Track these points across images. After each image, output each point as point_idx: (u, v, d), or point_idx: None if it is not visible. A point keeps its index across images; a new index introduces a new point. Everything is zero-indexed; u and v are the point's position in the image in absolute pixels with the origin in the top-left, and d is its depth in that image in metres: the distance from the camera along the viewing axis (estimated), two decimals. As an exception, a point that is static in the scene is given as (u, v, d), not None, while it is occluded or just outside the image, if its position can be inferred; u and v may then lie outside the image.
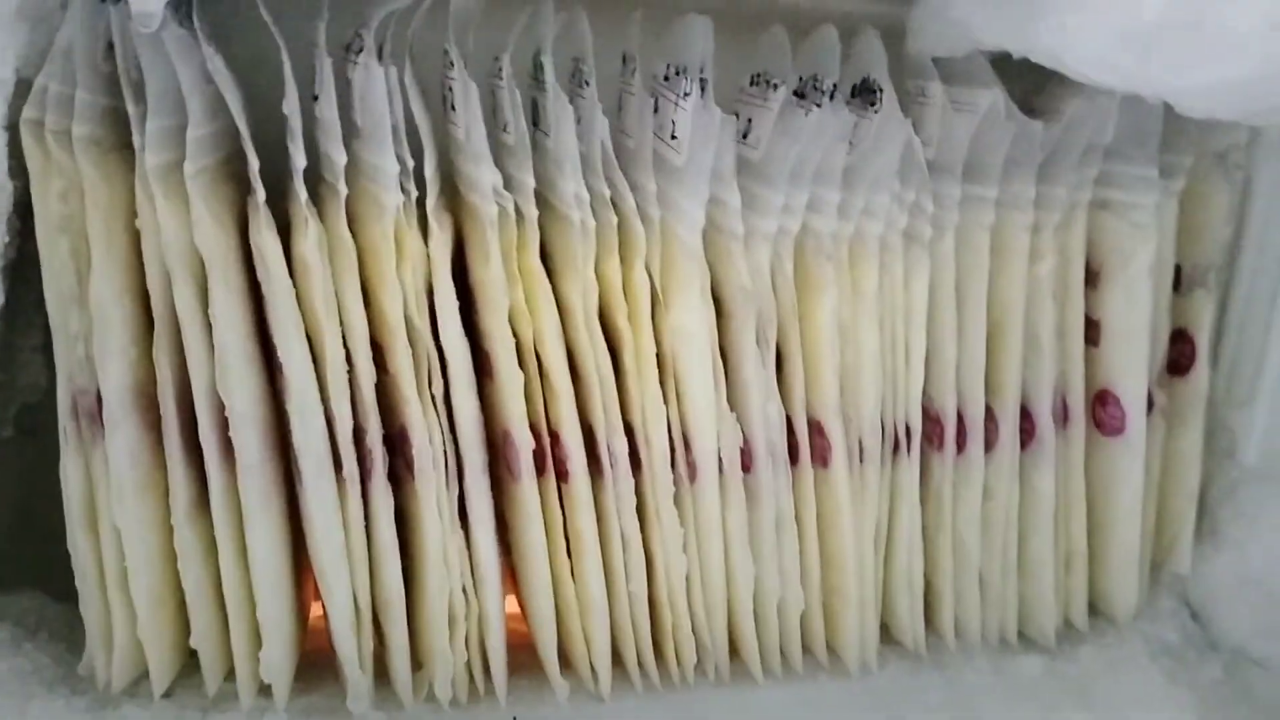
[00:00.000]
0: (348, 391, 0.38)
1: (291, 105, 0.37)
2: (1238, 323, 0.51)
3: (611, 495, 0.42)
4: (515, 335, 0.40)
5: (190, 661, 0.41)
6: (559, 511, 0.42)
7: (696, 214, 0.40)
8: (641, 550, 0.42)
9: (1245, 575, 0.49)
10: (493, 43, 0.41)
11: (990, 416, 0.46)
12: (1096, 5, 0.32)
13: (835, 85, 0.40)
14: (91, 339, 0.37)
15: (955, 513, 0.47)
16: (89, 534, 0.39)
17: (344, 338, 0.38)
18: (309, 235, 0.37)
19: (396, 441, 0.40)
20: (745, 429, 0.43)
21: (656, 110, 0.41)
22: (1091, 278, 0.47)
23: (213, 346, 0.37)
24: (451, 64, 0.40)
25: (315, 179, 0.39)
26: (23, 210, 0.38)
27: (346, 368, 0.38)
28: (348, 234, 0.38)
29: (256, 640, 0.40)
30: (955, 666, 0.48)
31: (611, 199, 0.40)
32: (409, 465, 0.40)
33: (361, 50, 0.38)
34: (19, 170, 0.37)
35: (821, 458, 0.44)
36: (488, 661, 0.42)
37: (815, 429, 0.44)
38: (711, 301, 0.41)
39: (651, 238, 0.41)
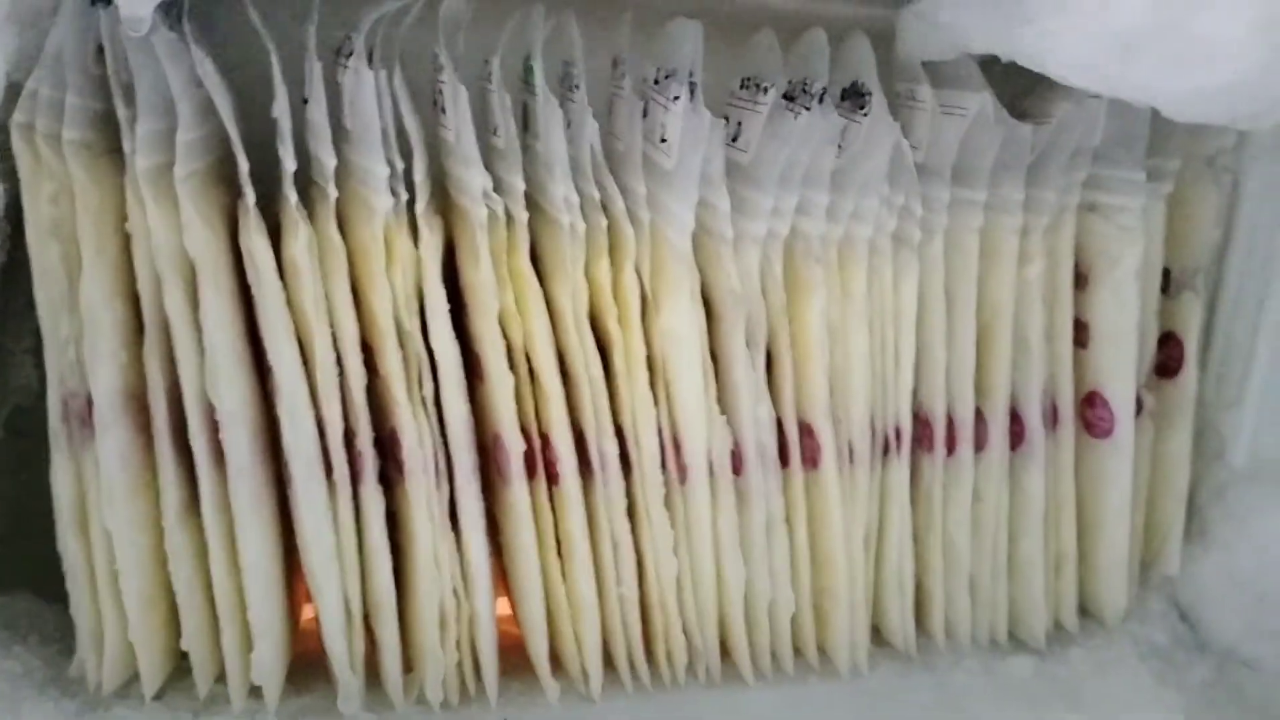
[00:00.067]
0: (338, 394, 0.38)
1: (281, 108, 0.37)
2: (1226, 325, 0.51)
3: (602, 497, 0.42)
4: (506, 338, 0.40)
5: (181, 663, 0.41)
6: (550, 513, 0.42)
7: (686, 217, 0.40)
8: (632, 552, 0.43)
9: (1234, 577, 0.49)
10: (483, 46, 0.41)
11: (980, 418, 0.47)
12: (1078, 10, 0.32)
13: (824, 89, 0.40)
14: (82, 342, 0.37)
15: (945, 514, 0.47)
16: (80, 536, 0.39)
17: (334, 340, 0.38)
18: (299, 238, 0.37)
19: (387, 444, 0.40)
20: (735, 431, 0.43)
21: (646, 114, 0.41)
22: (1080, 280, 0.48)
23: (203, 349, 0.37)
24: (441, 67, 0.40)
25: (305, 182, 0.39)
26: (13, 214, 0.38)
27: (337, 370, 0.38)
28: (338, 236, 0.38)
29: (247, 642, 0.40)
30: (945, 668, 0.48)
31: (601, 202, 0.40)
32: (400, 467, 0.40)
33: (351, 54, 0.38)
34: (9, 174, 0.37)
35: (811, 459, 0.44)
36: (478, 663, 0.42)
37: (805, 431, 0.44)
38: (701, 304, 0.41)
39: (641, 241, 0.41)
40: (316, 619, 0.40)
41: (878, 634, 0.49)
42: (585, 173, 0.40)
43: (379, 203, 0.38)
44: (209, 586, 0.39)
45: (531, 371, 0.41)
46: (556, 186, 0.40)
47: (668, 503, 0.42)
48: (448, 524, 0.41)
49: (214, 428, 0.37)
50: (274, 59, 0.38)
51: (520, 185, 0.40)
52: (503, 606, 0.45)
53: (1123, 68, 0.33)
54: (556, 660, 0.44)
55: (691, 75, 0.39)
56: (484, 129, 0.41)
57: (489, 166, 0.40)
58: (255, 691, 0.41)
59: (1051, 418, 0.48)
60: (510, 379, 0.40)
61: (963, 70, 0.43)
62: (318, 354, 0.38)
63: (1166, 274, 0.50)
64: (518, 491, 0.41)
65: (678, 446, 0.42)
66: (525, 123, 0.43)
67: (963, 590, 0.48)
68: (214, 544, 0.38)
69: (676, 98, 0.39)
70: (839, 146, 0.42)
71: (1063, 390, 0.48)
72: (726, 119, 0.42)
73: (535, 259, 0.41)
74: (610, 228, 0.41)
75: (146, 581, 0.39)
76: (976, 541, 0.48)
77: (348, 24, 0.39)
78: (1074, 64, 0.34)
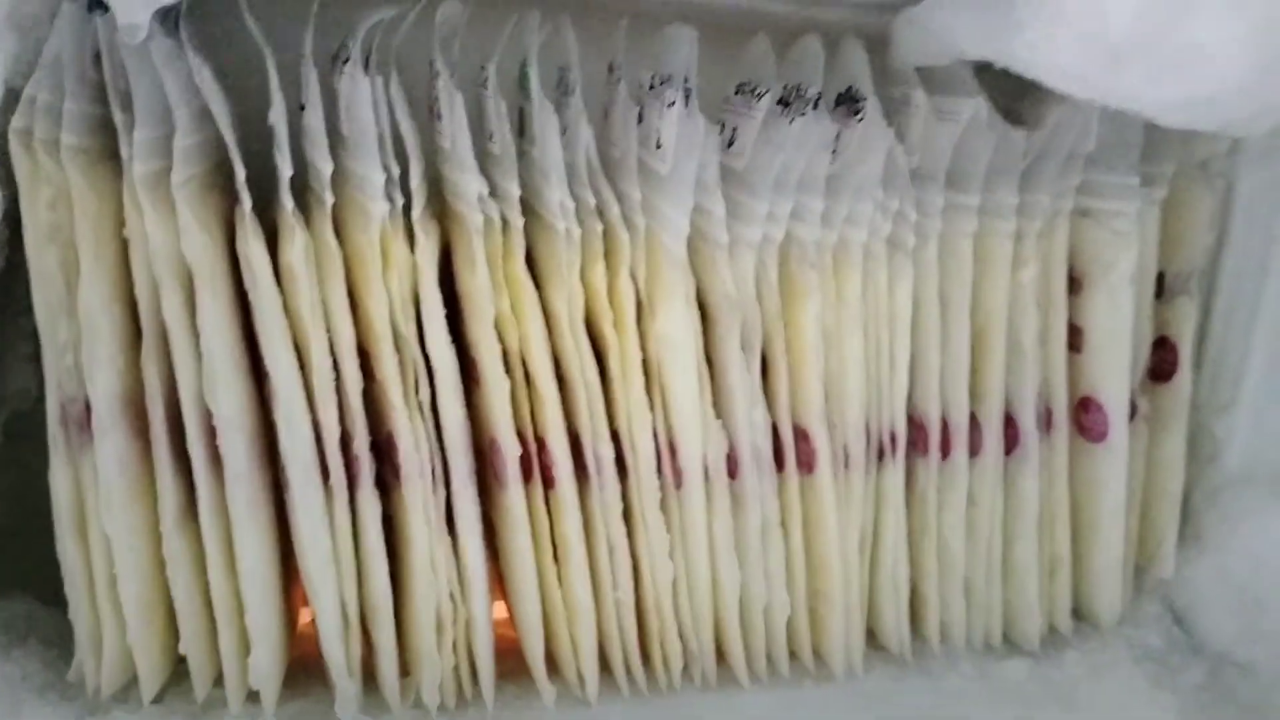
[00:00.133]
0: (335, 399, 0.39)
1: (278, 115, 0.38)
2: (1220, 329, 0.51)
3: (598, 501, 0.42)
4: (502, 342, 0.40)
5: (179, 667, 0.42)
6: (545, 517, 0.42)
7: (681, 222, 0.41)
8: (628, 556, 0.43)
9: (1228, 580, 0.49)
10: (479, 52, 0.41)
11: (974, 423, 0.47)
12: (1067, 18, 0.32)
13: (819, 94, 0.40)
14: (80, 347, 0.37)
15: (940, 518, 0.47)
16: (78, 541, 0.39)
17: (331, 345, 0.38)
18: (295, 244, 0.38)
19: (383, 448, 0.40)
20: (730, 435, 0.43)
21: (641, 119, 0.41)
22: (1074, 285, 0.48)
23: (200, 355, 0.37)
24: (437, 73, 0.40)
25: (302, 188, 0.40)
26: (11, 220, 0.38)
27: (333, 375, 0.39)
28: (334, 242, 0.38)
29: (245, 646, 0.40)
30: (940, 671, 0.48)
31: (597, 207, 0.41)
32: (396, 472, 0.40)
33: (348, 60, 0.38)
34: (8, 180, 0.37)
35: (807, 464, 0.44)
36: (475, 667, 0.43)
37: (800, 435, 0.44)
38: (696, 309, 0.42)
39: (636, 246, 0.41)
40: (314, 623, 0.41)
41: (873, 637, 0.49)
42: (581, 178, 0.40)
43: (375, 209, 0.38)
44: (207, 591, 0.39)
45: (527, 376, 0.41)
46: (552, 192, 0.40)
47: (663, 507, 0.42)
48: (444, 528, 0.41)
49: (212, 433, 0.38)
50: (270, 65, 0.38)
51: (516, 191, 0.40)
52: (499, 610, 0.45)
53: (1113, 76, 0.33)
54: (553, 664, 0.44)
55: (686, 81, 0.39)
56: (480, 135, 0.41)
57: (485, 172, 0.40)
58: (253, 695, 0.41)
59: (1046, 422, 0.48)
60: (506, 383, 0.40)
61: (956, 75, 0.43)
62: (314, 359, 0.38)
63: (1160, 278, 0.50)
64: (514, 496, 0.41)
65: (673, 451, 0.42)
66: (521, 128, 0.43)
67: (957, 594, 0.48)
68: (212, 549, 0.38)
69: (672, 103, 0.39)
70: (833, 152, 0.42)
71: (1057, 394, 0.48)
72: (722, 124, 0.42)
73: (531, 264, 0.41)
74: (605, 233, 0.41)
75: (145, 586, 0.39)
76: (971, 545, 0.48)
77: (344, 30, 0.39)
78: (1064, 72, 0.34)
